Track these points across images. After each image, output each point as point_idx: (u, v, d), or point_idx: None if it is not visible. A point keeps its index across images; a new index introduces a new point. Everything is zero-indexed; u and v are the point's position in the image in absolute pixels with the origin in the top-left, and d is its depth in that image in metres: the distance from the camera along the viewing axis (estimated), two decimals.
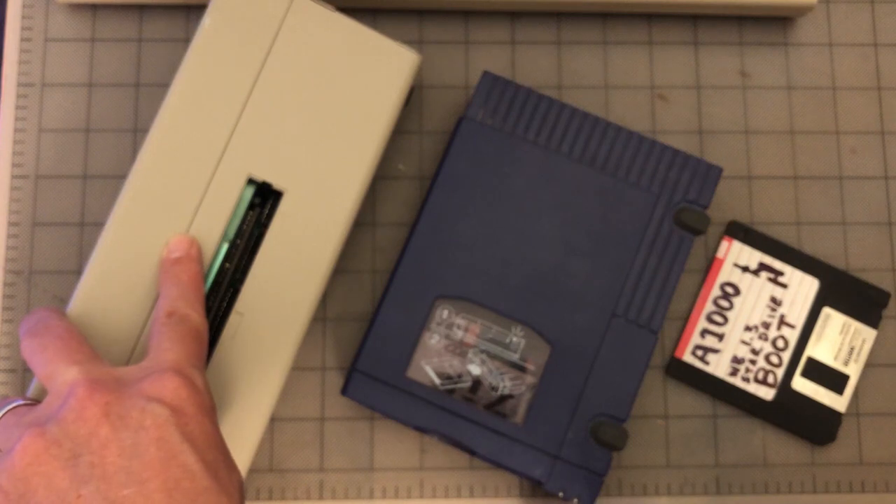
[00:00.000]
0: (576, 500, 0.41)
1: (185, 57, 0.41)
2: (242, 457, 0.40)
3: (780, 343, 0.46)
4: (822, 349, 0.46)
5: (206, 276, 0.40)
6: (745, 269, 0.46)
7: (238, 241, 0.41)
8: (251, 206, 0.41)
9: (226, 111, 0.41)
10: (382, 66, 0.41)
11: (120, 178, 0.46)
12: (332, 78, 0.41)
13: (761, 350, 0.46)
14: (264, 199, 0.41)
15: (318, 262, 0.41)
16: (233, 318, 0.40)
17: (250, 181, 0.41)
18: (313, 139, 0.41)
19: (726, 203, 0.47)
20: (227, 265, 0.41)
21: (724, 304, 0.46)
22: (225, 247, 0.41)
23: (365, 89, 0.41)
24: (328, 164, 0.41)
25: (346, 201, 0.41)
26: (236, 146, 0.40)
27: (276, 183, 0.41)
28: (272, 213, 0.41)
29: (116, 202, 0.40)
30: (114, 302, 0.39)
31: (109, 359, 0.39)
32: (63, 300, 0.42)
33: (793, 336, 0.46)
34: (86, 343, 0.36)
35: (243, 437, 0.40)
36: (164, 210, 0.40)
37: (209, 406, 0.35)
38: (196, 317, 0.37)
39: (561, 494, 0.41)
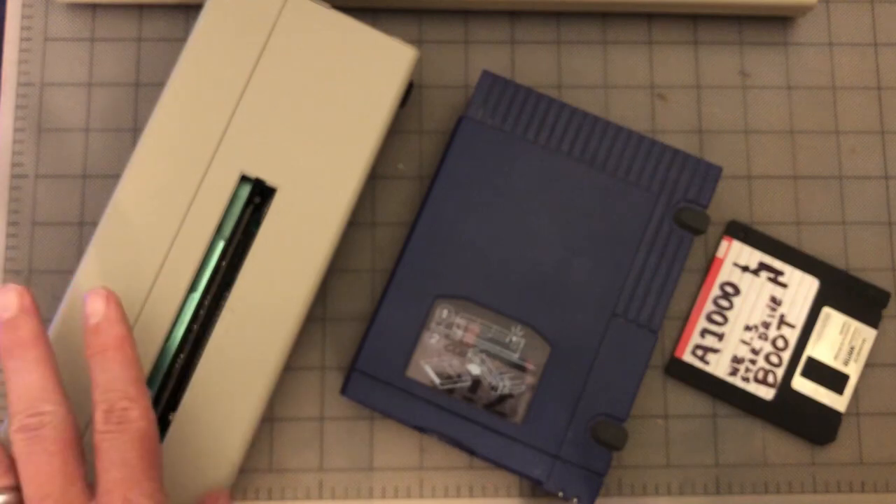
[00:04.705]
0: (575, 500, 0.41)
1: (180, 56, 0.41)
2: (234, 455, 0.40)
3: (780, 343, 0.46)
4: (822, 349, 0.46)
5: (198, 276, 0.40)
6: (745, 268, 0.46)
7: (233, 239, 0.41)
8: (249, 204, 0.41)
9: (219, 108, 0.41)
10: (379, 62, 0.42)
11: (120, 177, 0.46)
12: (327, 75, 0.41)
13: (761, 350, 0.46)
14: (264, 197, 0.42)
15: (313, 259, 0.41)
16: (224, 315, 0.40)
17: (244, 178, 0.41)
18: (308, 136, 0.41)
19: (726, 203, 0.47)
20: (223, 263, 0.41)
21: (724, 303, 0.46)
22: (221, 244, 0.41)
23: (361, 85, 0.41)
24: (324, 162, 0.41)
25: (341, 199, 0.41)
26: (229, 143, 0.41)
27: (270, 180, 0.41)
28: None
29: (111, 199, 0.40)
30: None
31: None
32: (61, 300, 0.42)
33: (793, 336, 0.46)
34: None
35: (234, 435, 0.40)
36: (157, 207, 0.40)
37: None
38: (135, 411, 0.34)
39: (561, 494, 0.41)
